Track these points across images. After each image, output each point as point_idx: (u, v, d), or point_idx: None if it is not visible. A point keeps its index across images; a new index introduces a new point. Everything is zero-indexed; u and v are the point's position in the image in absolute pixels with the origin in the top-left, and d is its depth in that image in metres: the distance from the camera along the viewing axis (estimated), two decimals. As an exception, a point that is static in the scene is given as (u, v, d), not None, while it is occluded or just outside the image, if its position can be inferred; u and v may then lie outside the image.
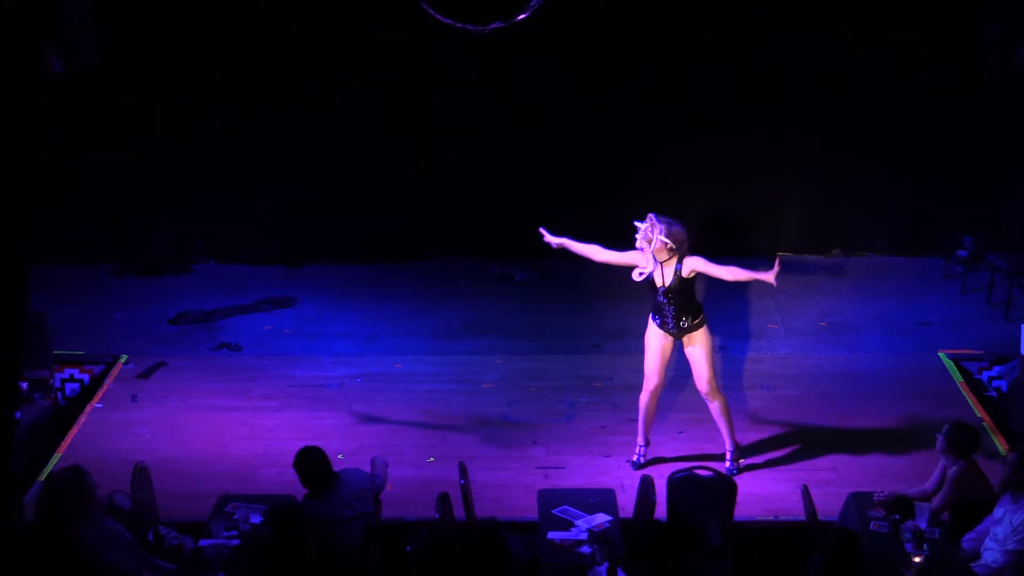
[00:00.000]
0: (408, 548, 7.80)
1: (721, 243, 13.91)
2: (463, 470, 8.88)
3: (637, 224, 9.70)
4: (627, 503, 8.95)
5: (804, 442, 10.39)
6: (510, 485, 9.83)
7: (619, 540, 8.13)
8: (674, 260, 9.63)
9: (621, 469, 10.01)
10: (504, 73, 13.36)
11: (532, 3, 11.74)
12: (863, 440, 10.41)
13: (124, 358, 11.80)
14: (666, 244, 9.59)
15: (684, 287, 9.64)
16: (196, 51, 13.23)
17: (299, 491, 8.29)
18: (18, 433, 8.30)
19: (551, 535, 8.19)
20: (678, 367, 11.65)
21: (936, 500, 8.53)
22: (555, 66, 13.38)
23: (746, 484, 9.25)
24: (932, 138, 13.44)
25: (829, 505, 8.89)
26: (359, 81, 13.42)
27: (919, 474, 9.23)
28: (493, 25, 11.81)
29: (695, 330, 9.72)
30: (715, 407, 9.88)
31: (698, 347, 9.75)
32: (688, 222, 13.88)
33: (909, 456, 10.08)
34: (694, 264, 9.62)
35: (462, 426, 10.73)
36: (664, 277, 9.62)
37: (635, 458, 9.99)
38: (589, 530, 8.22)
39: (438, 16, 11.90)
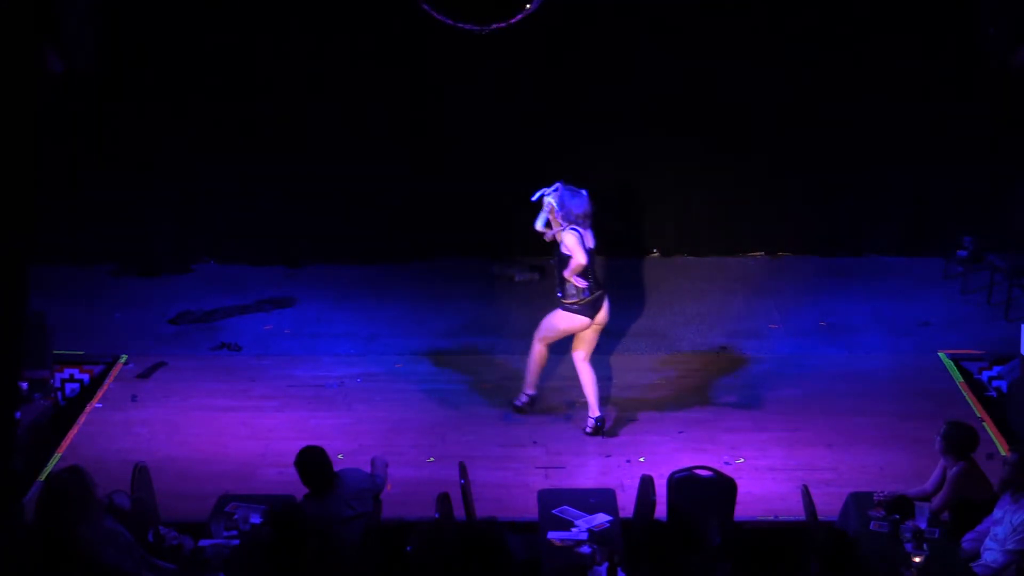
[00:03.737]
0: (408, 548, 7.80)
1: (721, 243, 13.98)
2: (463, 470, 8.88)
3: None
4: (627, 503, 8.95)
5: (804, 442, 10.40)
6: (510, 485, 9.84)
7: (619, 540, 8.14)
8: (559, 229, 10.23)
9: (621, 469, 10.02)
10: (505, 73, 13.36)
11: (532, 3, 11.75)
12: (863, 440, 10.41)
13: (124, 358, 11.80)
14: (553, 214, 10.27)
15: (561, 259, 10.22)
16: (196, 51, 13.21)
17: (299, 491, 8.29)
18: (18, 433, 8.29)
19: (551, 535, 8.20)
20: (678, 366, 11.68)
21: (936, 500, 8.53)
22: (556, 65, 13.37)
23: (746, 484, 9.25)
24: (932, 138, 13.43)
25: (829, 505, 8.89)
26: (360, 81, 13.41)
27: (919, 474, 9.23)
28: (493, 25, 11.83)
29: (559, 306, 10.35)
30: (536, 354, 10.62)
31: (551, 315, 10.47)
32: (688, 221, 14.04)
33: (909, 456, 10.08)
34: (567, 238, 10.18)
35: (462, 426, 10.73)
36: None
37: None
38: (589, 530, 8.23)
39: (438, 16, 11.92)
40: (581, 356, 10.55)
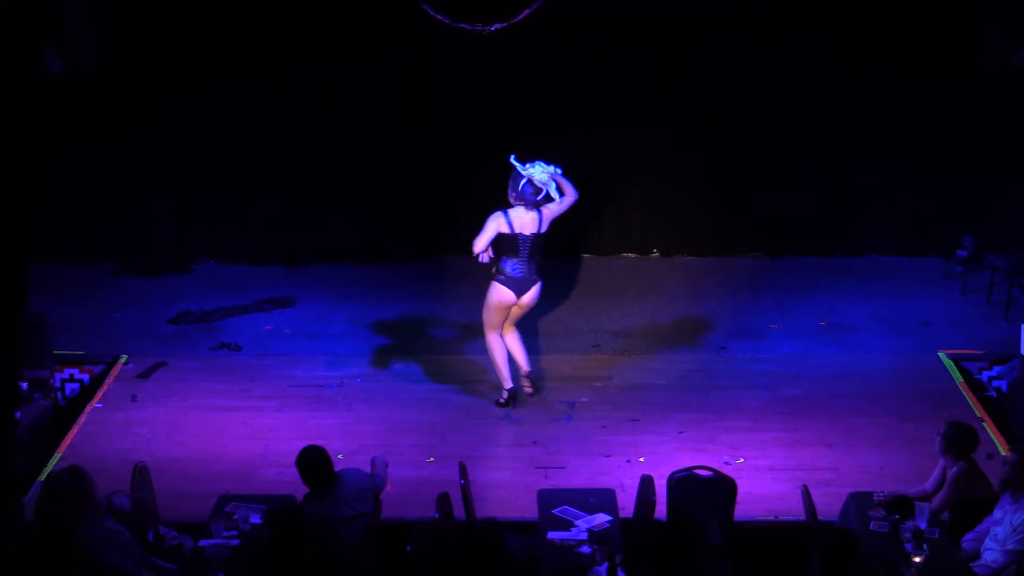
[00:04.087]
0: (408, 548, 7.80)
1: (721, 243, 13.97)
2: (463, 470, 8.88)
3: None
4: (627, 503, 8.95)
5: (804, 442, 10.40)
6: (510, 485, 9.83)
7: (619, 540, 8.14)
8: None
9: (621, 469, 10.02)
10: (506, 72, 13.36)
11: (532, 3, 11.76)
12: (863, 440, 10.41)
13: (124, 358, 11.80)
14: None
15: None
16: (195, 51, 13.21)
17: (299, 491, 8.29)
18: (18, 433, 8.28)
19: (551, 535, 8.20)
20: (678, 366, 11.69)
21: (936, 500, 8.53)
22: (556, 65, 13.37)
23: (746, 484, 9.25)
24: (932, 138, 13.44)
25: (829, 505, 8.89)
26: (360, 81, 13.41)
27: (919, 474, 9.23)
28: (494, 26, 11.83)
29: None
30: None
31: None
32: (688, 221, 14.02)
33: (909, 456, 10.08)
34: (490, 219, 10.73)
35: (462, 426, 10.73)
36: None
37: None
38: (589, 530, 8.23)
39: (438, 16, 11.92)
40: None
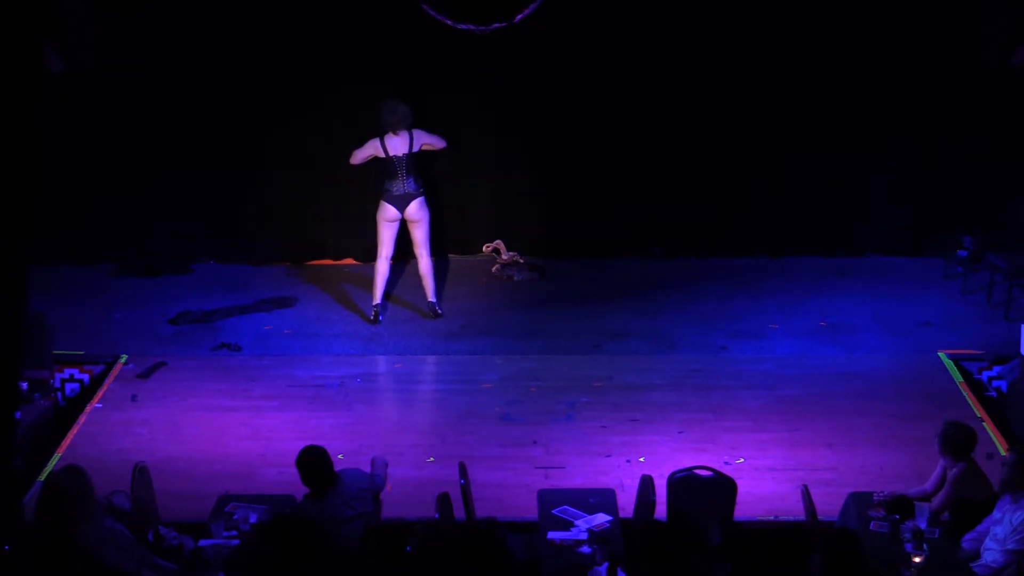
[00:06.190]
0: (408, 548, 7.80)
1: (721, 243, 13.96)
2: (463, 470, 8.88)
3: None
4: (627, 503, 8.95)
5: (804, 442, 10.40)
6: (510, 485, 9.83)
7: (619, 540, 8.14)
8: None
9: (621, 469, 10.01)
10: (503, 71, 13.34)
11: (532, 3, 11.77)
12: (863, 440, 10.41)
13: (124, 358, 11.80)
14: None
15: None
16: (196, 51, 13.20)
17: (299, 491, 8.29)
18: (18, 433, 8.28)
19: (551, 535, 8.21)
20: (678, 366, 11.68)
21: (936, 500, 8.53)
22: (551, 65, 13.35)
23: (746, 484, 9.24)
24: (932, 138, 13.43)
25: (829, 505, 8.89)
26: (359, 80, 13.39)
27: (919, 474, 9.23)
28: (494, 25, 11.84)
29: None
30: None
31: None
32: (689, 220, 14.00)
33: (909, 456, 10.08)
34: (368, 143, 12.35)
35: (462, 426, 10.73)
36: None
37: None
38: (589, 530, 8.23)
39: (438, 16, 11.93)
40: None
